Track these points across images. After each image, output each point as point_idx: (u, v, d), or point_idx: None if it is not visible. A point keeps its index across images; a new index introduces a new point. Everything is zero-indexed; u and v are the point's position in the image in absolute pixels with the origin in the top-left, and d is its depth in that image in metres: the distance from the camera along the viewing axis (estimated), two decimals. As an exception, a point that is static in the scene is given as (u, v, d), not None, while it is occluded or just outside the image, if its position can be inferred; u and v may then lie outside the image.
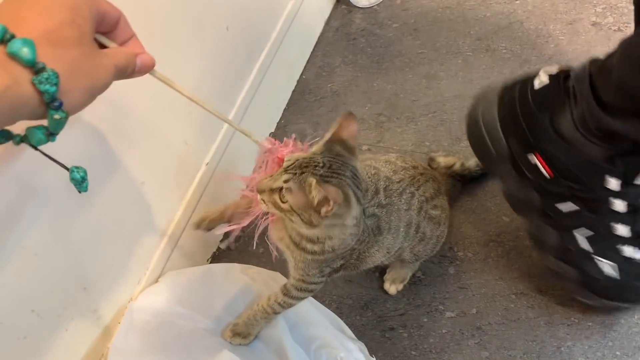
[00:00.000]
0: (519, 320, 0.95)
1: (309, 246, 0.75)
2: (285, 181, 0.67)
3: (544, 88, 0.83)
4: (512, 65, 1.23)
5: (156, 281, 0.93)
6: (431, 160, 1.07)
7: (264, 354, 0.85)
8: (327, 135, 0.72)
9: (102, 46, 0.53)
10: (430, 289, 1.01)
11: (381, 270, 1.02)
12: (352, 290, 1.03)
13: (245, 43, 1.12)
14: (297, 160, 0.69)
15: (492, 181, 1.09)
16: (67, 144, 0.61)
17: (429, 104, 1.23)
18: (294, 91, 1.33)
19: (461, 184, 1.08)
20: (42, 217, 0.72)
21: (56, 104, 0.44)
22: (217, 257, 1.11)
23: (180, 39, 0.92)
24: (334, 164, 0.69)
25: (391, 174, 0.84)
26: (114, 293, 0.87)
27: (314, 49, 1.40)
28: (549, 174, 0.83)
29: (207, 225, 0.85)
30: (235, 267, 0.96)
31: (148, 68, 0.57)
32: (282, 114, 1.30)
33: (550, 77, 0.83)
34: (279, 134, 1.26)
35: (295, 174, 0.67)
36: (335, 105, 1.29)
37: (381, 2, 1.45)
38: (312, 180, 0.65)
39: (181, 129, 0.97)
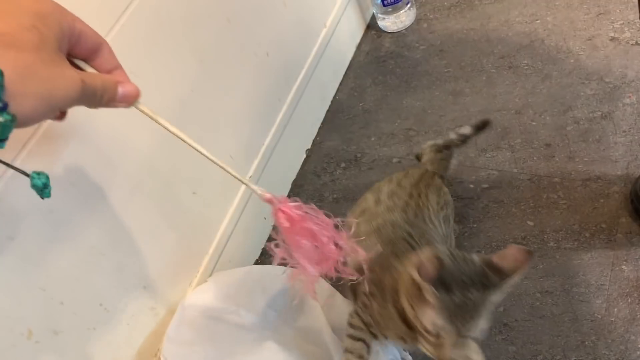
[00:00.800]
0: (544, 317, 1.00)
1: None
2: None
3: None
4: (534, 81, 1.30)
5: (205, 281, 1.02)
6: (418, 155, 1.12)
7: (303, 345, 0.93)
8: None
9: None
10: (459, 289, 1.06)
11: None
12: (386, 292, 1.10)
13: (284, 67, 1.23)
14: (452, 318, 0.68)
15: (517, 190, 1.15)
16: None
17: (455, 119, 1.30)
18: (328, 111, 1.43)
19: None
20: (107, 221, 0.82)
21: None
22: (260, 262, 1.20)
23: (227, 64, 1.03)
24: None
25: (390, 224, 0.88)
26: (169, 292, 0.97)
27: (346, 72, 1.49)
28: None
29: None
30: (275, 267, 1.04)
31: (131, 98, 0.53)
32: (317, 131, 1.39)
33: None
34: (314, 149, 1.36)
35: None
36: (367, 122, 1.37)
37: (409, 26, 1.53)
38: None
39: (228, 145, 1.07)
